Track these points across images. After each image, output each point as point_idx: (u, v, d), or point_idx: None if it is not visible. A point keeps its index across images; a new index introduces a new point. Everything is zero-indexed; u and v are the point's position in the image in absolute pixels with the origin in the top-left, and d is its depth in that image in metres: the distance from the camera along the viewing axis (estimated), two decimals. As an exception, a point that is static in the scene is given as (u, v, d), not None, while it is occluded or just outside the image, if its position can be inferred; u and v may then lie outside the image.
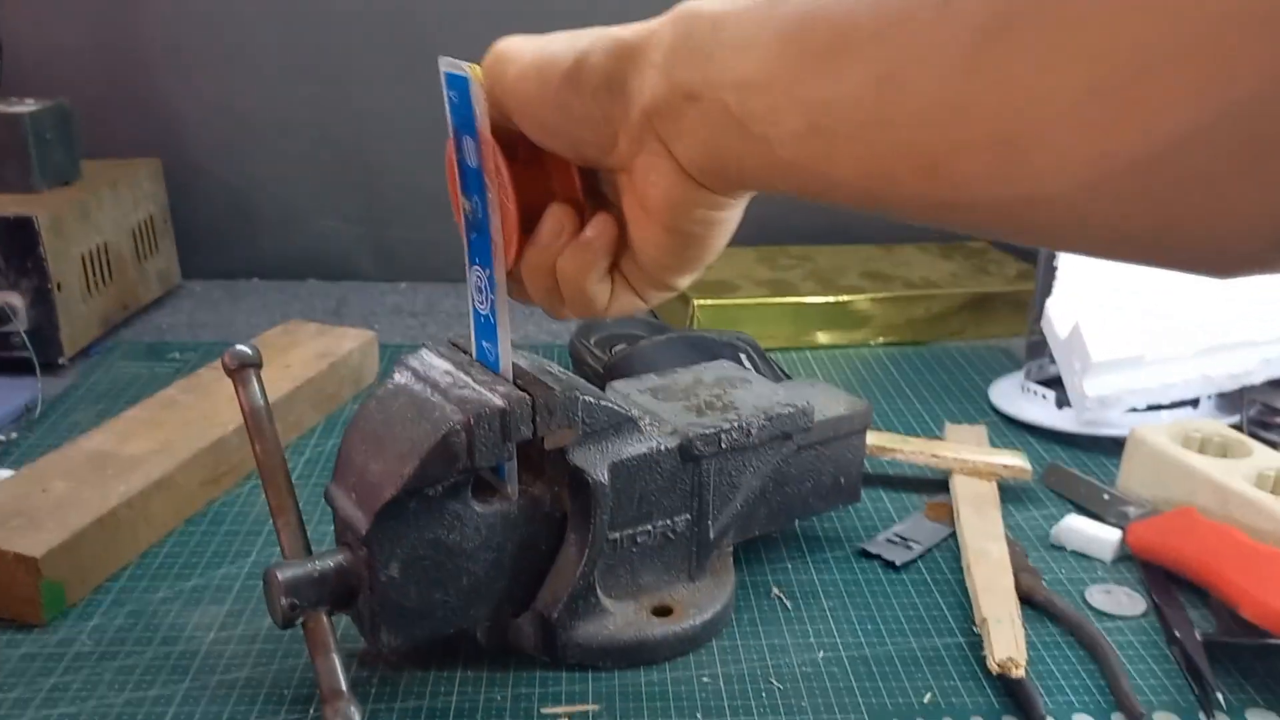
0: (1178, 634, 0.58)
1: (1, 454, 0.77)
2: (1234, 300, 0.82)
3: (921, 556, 0.67)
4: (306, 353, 0.86)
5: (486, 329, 0.51)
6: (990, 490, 0.71)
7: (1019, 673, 0.53)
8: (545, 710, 0.53)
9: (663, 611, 0.58)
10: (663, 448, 0.56)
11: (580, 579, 0.54)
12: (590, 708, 0.54)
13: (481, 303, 0.50)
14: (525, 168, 0.46)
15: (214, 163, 1.19)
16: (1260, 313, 0.81)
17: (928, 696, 0.55)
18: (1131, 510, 0.69)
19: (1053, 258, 0.88)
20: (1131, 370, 0.80)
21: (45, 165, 0.96)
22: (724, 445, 0.58)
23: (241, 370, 0.55)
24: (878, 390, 0.92)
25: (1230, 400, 0.83)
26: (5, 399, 0.85)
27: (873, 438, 0.71)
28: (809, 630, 0.60)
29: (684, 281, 0.47)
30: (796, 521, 0.69)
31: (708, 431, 0.57)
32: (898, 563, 0.66)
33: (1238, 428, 0.78)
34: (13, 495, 0.63)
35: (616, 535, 0.56)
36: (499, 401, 0.49)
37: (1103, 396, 0.80)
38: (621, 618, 0.56)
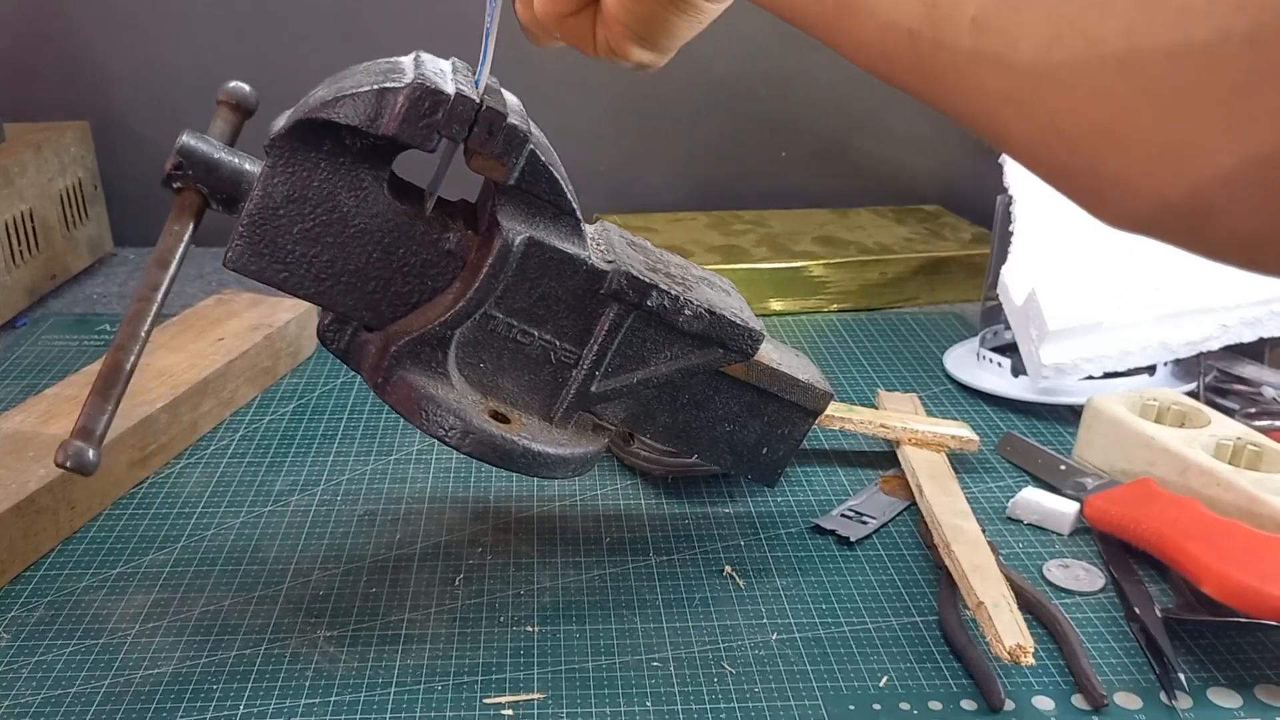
0: (1137, 610, 0.57)
1: (-82, 434, 0.74)
2: (1191, 266, 0.81)
3: (876, 532, 0.65)
4: (241, 324, 0.82)
5: (485, 42, 0.50)
6: (943, 462, 0.70)
7: (1029, 660, 0.50)
8: (488, 700, 0.51)
9: (500, 418, 0.54)
10: (589, 262, 0.53)
11: (441, 326, 0.51)
12: (535, 696, 0.52)
13: (490, 13, 0.49)
14: None
15: (146, 125, 1.14)
16: (1217, 279, 0.80)
17: (884, 679, 0.53)
18: (1089, 481, 0.68)
19: (1008, 223, 0.87)
20: (1089, 337, 0.79)
21: (-37, 129, 0.92)
22: (649, 304, 0.54)
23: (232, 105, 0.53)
24: (831, 358, 0.90)
25: (1186, 367, 0.82)
26: (-77, 375, 0.81)
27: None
28: (762, 611, 0.58)
29: (634, 53, 0.48)
30: (746, 495, 0.67)
31: (642, 278, 0.54)
32: (852, 538, 0.64)
33: (1194, 395, 0.77)
34: (-76, 480, 0.60)
35: (500, 315, 0.53)
36: (449, 88, 0.48)
37: (1059, 364, 0.79)
38: (456, 396, 0.52)
